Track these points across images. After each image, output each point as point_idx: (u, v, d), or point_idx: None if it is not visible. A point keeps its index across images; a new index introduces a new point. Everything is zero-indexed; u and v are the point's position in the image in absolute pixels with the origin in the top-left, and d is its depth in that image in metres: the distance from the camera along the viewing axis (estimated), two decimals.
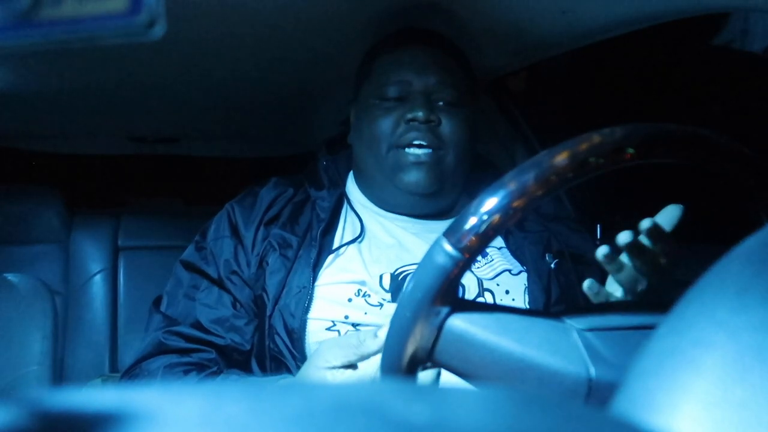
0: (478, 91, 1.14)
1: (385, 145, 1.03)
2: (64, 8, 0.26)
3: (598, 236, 1.30)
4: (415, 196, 1.05)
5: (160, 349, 1.00)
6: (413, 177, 1.02)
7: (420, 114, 1.01)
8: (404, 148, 1.02)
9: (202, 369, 0.98)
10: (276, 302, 0.99)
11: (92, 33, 0.27)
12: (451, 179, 1.06)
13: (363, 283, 1.00)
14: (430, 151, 1.02)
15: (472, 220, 0.55)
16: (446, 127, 1.04)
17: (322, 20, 1.12)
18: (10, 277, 1.18)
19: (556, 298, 1.02)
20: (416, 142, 1.02)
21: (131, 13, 0.27)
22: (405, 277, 1.01)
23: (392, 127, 1.03)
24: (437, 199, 1.08)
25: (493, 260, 1.06)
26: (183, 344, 0.99)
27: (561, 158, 0.54)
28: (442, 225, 1.08)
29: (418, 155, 1.02)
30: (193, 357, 0.98)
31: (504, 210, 0.54)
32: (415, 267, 1.01)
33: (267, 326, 0.98)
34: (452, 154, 1.04)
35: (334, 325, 0.97)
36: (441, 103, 1.04)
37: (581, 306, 1.04)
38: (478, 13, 1.13)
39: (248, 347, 1.01)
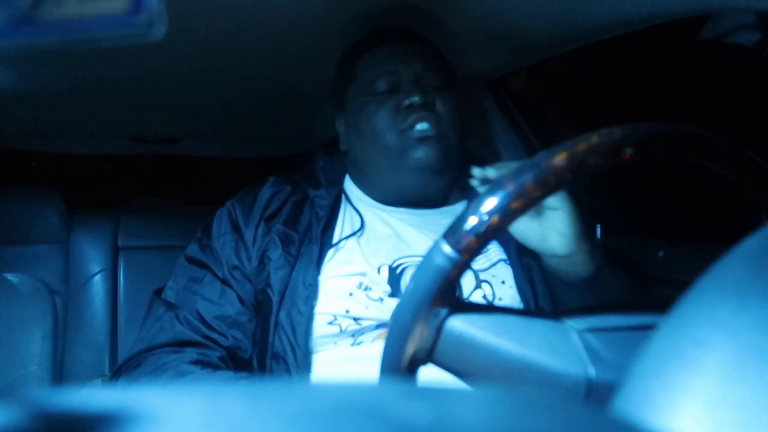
0: (456, 83, 1.16)
1: (390, 134, 1.05)
2: (65, 8, 0.26)
3: (598, 236, 1.30)
4: (423, 174, 1.06)
5: (177, 339, 0.99)
6: (422, 152, 1.04)
7: (416, 98, 1.04)
8: (408, 131, 1.05)
9: (218, 369, 0.98)
10: (282, 298, 0.99)
11: (92, 33, 0.27)
12: (451, 158, 1.09)
13: (363, 274, 1.01)
14: (433, 125, 1.05)
15: (471, 221, 0.55)
16: (441, 107, 1.07)
17: (321, 20, 1.12)
18: (10, 277, 1.18)
19: (542, 291, 1.03)
20: (419, 126, 1.04)
21: (132, 13, 0.27)
22: (403, 269, 1.02)
23: (392, 116, 1.05)
24: (439, 179, 1.09)
25: (488, 250, 1.07)
26: (196, 337, 0.99)
27: (559, 159, 0.54)
28: (437, 216, 1.10)
29: (423, 130, 1.04)
30: (211, 356, 0.99)
31: (502, 211, 0.54)
32: (412, 259, 1.03)
33: (273, 322, 0.99)
34: (451, 132, 1.07)
35: (336, 319, 0.98)
36: (430, 88, 1.08)
37: (580, 307, 1.04)
38: (478, 14, 1.13)
39: (250, 345, 1.01)
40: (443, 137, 1.06)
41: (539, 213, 0.91)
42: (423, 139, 1.04)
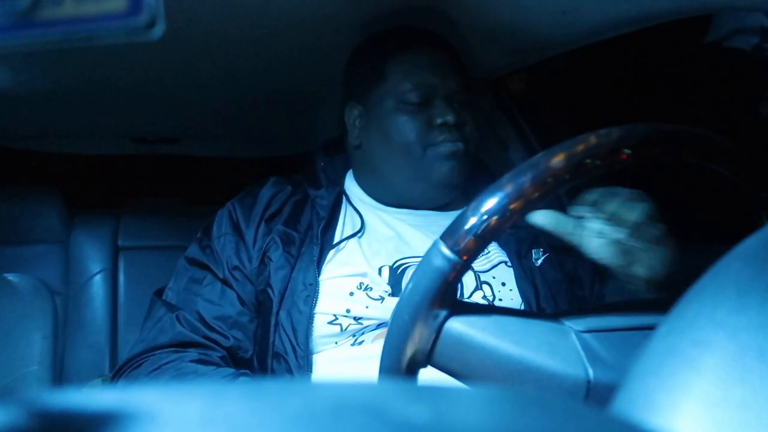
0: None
1: (418, 148, 1.06)
2: (64, 8, 0.26)
3: None
4: (443, 188, 1.08)
5: (178, 340, 0.99)
6: (448, 168, 1.06)
7: (451, 118, 1.05)
8: (438, 145, 1.06)
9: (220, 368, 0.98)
10: (282, 297, 0.99)
11: (92, 33, 0.27)
12: (468, 173, 1.11)
13: (364, 275, 1.01)
14: (460, 144, 1.06)
15: (470, 223, 0.55)
16: (468, 126, 1.09)
17: (321, 20, 1.12)
18: (10, 277, 1.18)
19: (544, 293, 1.03)
20: (448, 144, 1.06)
21: (131, 13, 0.27)
22: (404, 270, 1.02)
23: (423, 130, 1.06)
24: (453, 191, 1.11)
25: (489, 252, 1.07)
26: (197, 338, 0.99)
27: (558, 160, 0.54)
28: (439, 217, 1.10)
29: (455, 143, 1.06)
30: (212, 356, 0.98)
31: (501, 212, 0.54)
32: (413, 259, 1.03)
33: (273, 322, 0.99)
34: (472, 148, 1.10)
35: (336, 318, 0.98)
36: (457, 105, 1.08)
37: (579, 307, 1.04)
38: (479, 14, 1.13)
39: (251, 346, 1.01)
40: (467, 153, 1.08)
41: (632, 249, 0.79)
42: (450, 155, 1.05)
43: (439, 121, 1.05)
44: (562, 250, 1.09)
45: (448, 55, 1.11)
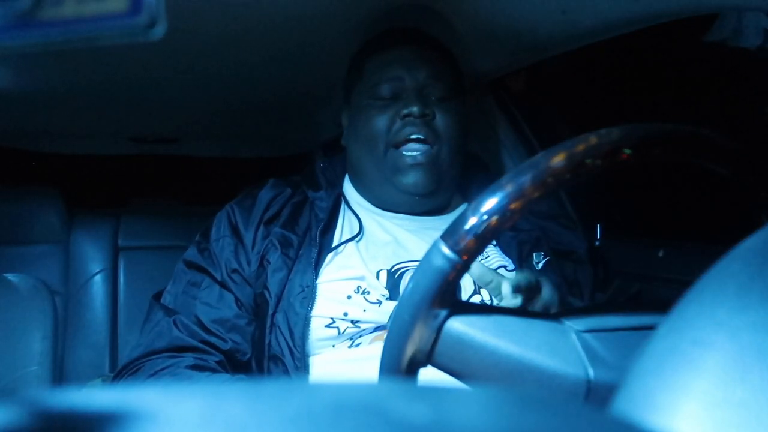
0: (466, 87, 1.15)
1: (382, 144, 1.05)
2: (65, 8, 0.26)
3: (598, 236, 1.30)
4: (412, 197, 1.06)
5: (174, 345, 0.99)
6: (411, 179, 1.04)
7: (415, 109, 1.03)
8: (401, 148, 1.04)
9: (216, 373, 0.98)
10: (279, 300, 0.99)
11: (92, 33, 0.27)
12: (447, 176, 1.08)
13: (362, 278, 1.00)
14: (426, 147, 1.04)
15: (470, 223, 0.55)
16: (440, 120, 1.06)
17: (321, 20, 1.12)
18: (10, 277, 1.18)
19: None
20: (413, 137, 1.03)
21: (131, 13, 0.27)
22: (402, 274, 1.02)
23: (388, 124, 1.05)
24: (434, 197, 1.09)
25: (488, 257, 1.07)
26: (193, 343, 0.99)
27: (558, 160, 0.54)
28: (438, 222, 1.10)
29: (414, 156, 1.03)
30: (208, 361, 0.98)
31: (501, 212, 0.54)
32: (411, 264, 1.02)
33: (269, 324, 0.98)
34: (447, 149, 1.06)
35: (334, 322, 0.98)
36: (433, 98, 1.07)
37: (579, 307, 1.04)
38: (479, 14, 1.13)
39: (249, 349, 1.01)
40: (436, 160, 1.05)
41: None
42: (415, 165, 1.03)
43: (403, 112, 1.03)
44: (563, 255, 1.09)
45: (425, 50, 1.10)
